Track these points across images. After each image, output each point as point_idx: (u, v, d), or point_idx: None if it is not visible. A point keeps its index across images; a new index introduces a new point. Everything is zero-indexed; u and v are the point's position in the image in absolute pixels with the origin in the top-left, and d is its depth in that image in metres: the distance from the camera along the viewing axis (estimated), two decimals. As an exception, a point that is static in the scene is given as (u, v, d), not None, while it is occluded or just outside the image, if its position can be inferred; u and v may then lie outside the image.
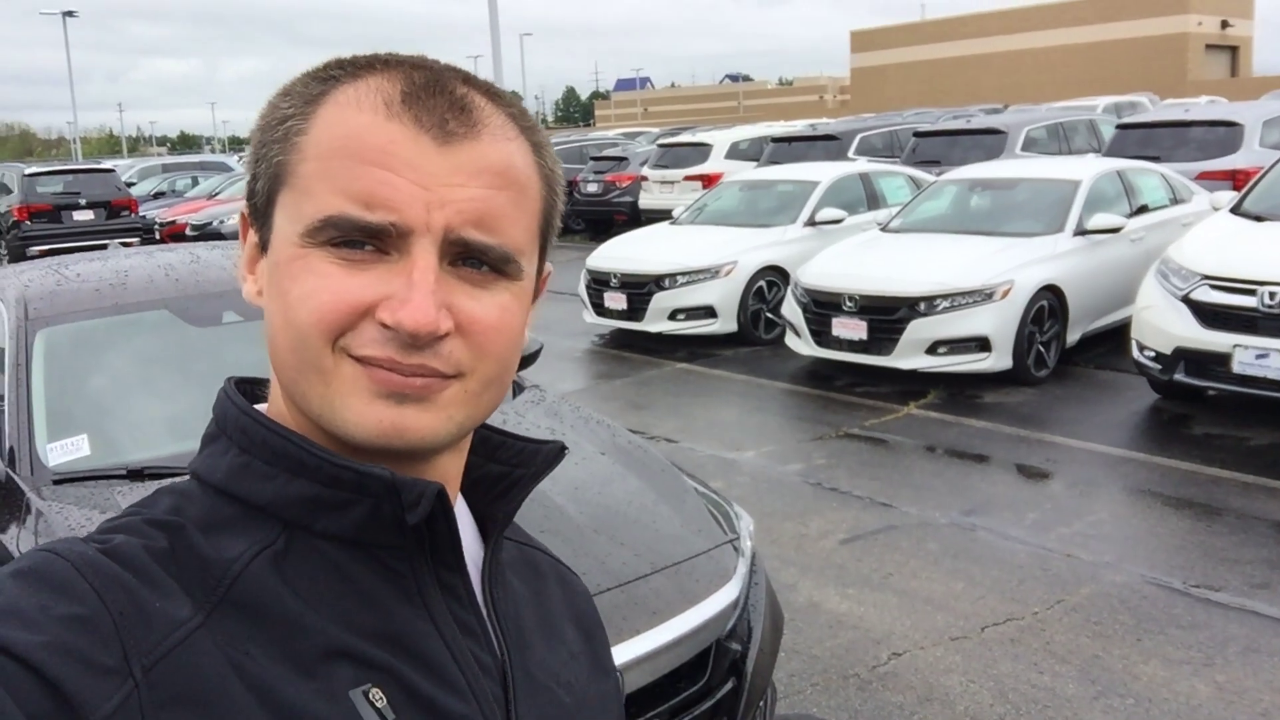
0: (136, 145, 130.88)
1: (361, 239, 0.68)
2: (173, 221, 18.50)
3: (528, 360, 4.01)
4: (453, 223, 0.68)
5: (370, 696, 0.67)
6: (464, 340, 0.70)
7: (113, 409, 3.12)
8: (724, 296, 9.26)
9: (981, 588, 4.45)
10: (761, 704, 2.78)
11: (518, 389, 3.60)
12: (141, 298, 3.32)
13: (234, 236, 16.77)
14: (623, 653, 2.36)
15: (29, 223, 17.09)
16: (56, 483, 2.76)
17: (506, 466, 0.82)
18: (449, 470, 0.77)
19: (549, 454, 0.82)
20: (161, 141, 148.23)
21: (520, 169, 0.73)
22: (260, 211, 0.73)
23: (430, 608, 0.73)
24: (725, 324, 9.29)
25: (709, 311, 9.29)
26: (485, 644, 0.76)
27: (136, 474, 2.75)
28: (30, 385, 3.02)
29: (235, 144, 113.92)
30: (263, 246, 0.74)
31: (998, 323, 7.28)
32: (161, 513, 0.71)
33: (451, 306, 0.69)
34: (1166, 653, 3.86)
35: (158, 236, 18.04)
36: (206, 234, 17.00)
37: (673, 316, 9.32)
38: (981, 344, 7.32)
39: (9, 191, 18.03)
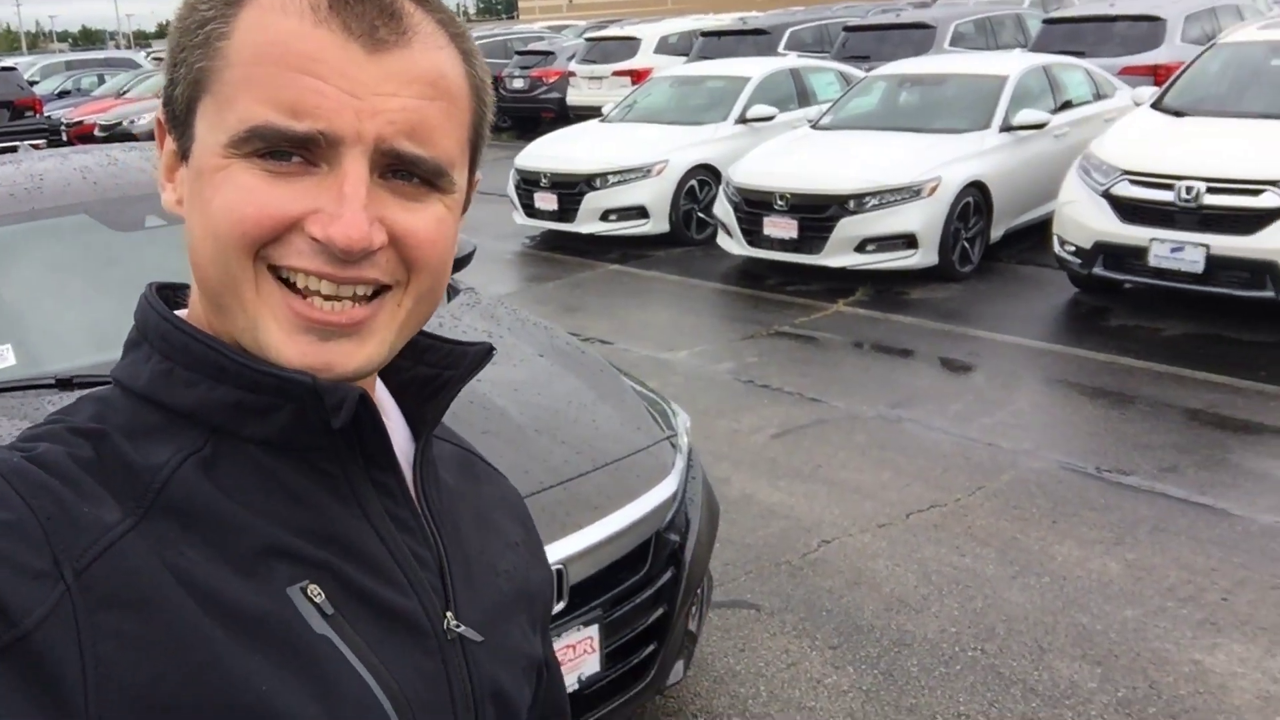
0: (36, 41, 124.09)
1: (289, 149, 0.66)
2: (80, 122, 17.69)
3: (461, 263, 3.98)
4: (384, 133, 0.66)
5: (308, 592, 0.68)
6: (398, 253, 0.69)
7: (35, 318, 3.04)
8: (656, 196, 9.21)
9: (907, 476, 4.61)
10: (699, 591, 2.89)
11: (453, 292, 3.58)
12: (59, 202, 3.21)
13: (147, 137, 15.91)
14: (566, 546, 2.43)
15: (-74, 125, 16.23)
16: (-18, 394, 2.70)
17: (435, 369, 0.81)
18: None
19: (476, 355, 0.82)
20: (63, 37, 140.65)
21: (451, 79, 0.71)
22: (179, 119, 0.70)
23: (364, 506, 0.74)
24: (657, 224, 9.26)
25: (641, 212, 9.24)
26: (422, 539, 0.77)
27: (65, 383, 2.69)
28: (-53, 295, 2.93)
29: (141, 39, 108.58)
30: (182, 155, 0.71)
31: (925, 220, 7.39)
32: (84, 420, 0.69)
33: (384, 219, 0.68)
34: (1080, 533, 4.07)
35: (64, 138, 17.26)
36: (116, 134, 16.28)
37: (604, 217, 9.25)
38: (909, 241, 7.44)
39: (-98, 92, 17.04)
